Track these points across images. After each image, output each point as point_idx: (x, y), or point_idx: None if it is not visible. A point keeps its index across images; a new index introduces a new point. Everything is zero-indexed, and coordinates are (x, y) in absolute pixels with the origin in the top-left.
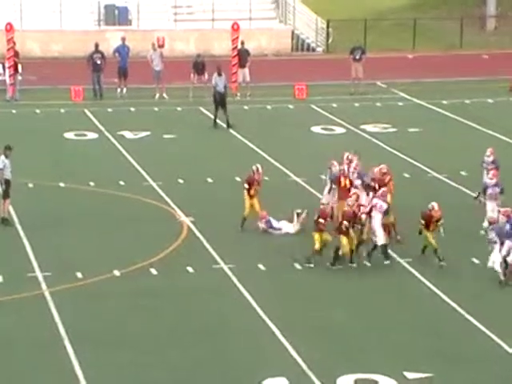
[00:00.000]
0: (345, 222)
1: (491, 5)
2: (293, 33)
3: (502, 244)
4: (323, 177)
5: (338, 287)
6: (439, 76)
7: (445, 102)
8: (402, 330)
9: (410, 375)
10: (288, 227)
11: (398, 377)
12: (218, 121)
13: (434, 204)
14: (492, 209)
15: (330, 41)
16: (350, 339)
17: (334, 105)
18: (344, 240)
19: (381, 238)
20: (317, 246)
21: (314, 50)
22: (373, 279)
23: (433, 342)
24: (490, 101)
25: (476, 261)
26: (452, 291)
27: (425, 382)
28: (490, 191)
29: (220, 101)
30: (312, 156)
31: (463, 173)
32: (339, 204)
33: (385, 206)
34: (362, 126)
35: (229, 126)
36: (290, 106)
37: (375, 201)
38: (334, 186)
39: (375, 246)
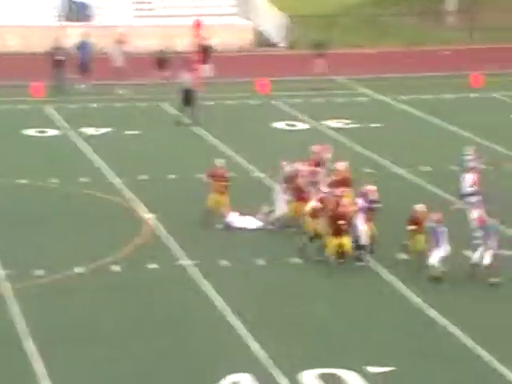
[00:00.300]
0: (341, 222)
1: (451, 0)
2: (255, 28)
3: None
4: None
5: (302, 284)
6: (401, 71)
7: (406, 97)
8: (364, 324)
9: (372, 369)
10: (252, 223)
11: (361, 371)
12: (185, 117)
13: (421, 205)
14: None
15: (292, 36)
16: (313, 334)
17: (297, 100)
18: (345, 240)
19: (363, 238)
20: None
21: (276, 45)
22: (338, 275)
23: (395, 335)
24: (450, 96)
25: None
26: (428, 292)
27: (387, 376)
28: (472, 200)
29: (188, 97)
30: (275, 151)
31: (424, 168)
32: (293, 205)
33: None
34: (325, 122)
35: (196, 123)
36: (253, 102)
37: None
38: (285, 185)
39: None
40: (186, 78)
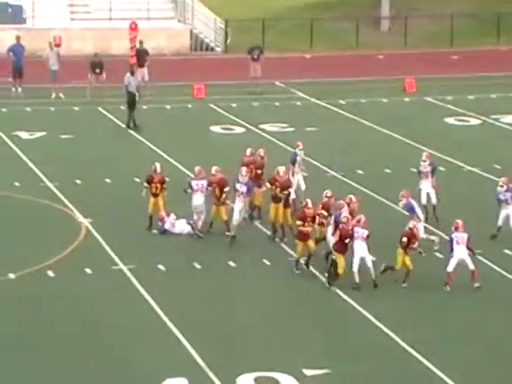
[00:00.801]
0: (346, 240)
1: (385, 6)
2: (191, 32)
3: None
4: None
5: (238, 287)
6: (336, 76)
7: (341, 101)
8: (300, 327)
9: (308, 372)
10: (187, 227)
11: (297, 374)
12: (130, 121)
13: (414, 223)
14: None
15: (228, 40)
16: (249, 338)
17: (233, 104)
18: (341, 259)
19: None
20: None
21: (212, 49)
22: (270, 276)
23: (329, 337)
24: (384, 100)
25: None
26: (347, 285)
27: (323, 379)
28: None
29: (132, 101)
30: (212, 156)
31: (359, 171)
32: (216, 209)
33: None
34: (261, 126)
35: (135, 126)
36: (189, 106)
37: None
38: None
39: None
40: (131, 82)
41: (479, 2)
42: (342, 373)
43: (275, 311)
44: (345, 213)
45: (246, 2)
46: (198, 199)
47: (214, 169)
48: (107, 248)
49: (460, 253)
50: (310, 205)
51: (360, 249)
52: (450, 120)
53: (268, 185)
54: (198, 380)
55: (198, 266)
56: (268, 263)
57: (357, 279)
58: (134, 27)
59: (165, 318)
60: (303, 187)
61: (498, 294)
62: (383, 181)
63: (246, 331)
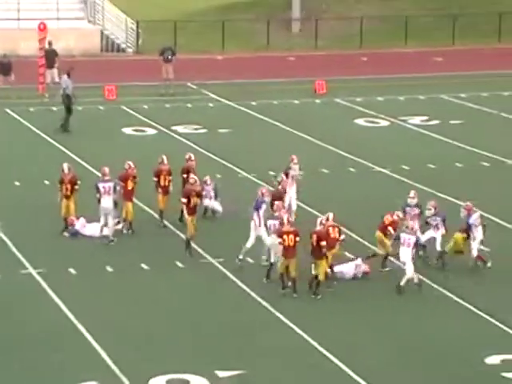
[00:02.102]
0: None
1: (296, 8)
2: (102, 33)
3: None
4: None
5: (149, 289)
6: (248, 77)
7: (253, 102)
8: (212, 329)
9: (221, 373)
10: (99, 230)
11: (210, 376)
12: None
13: (399, 213)
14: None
15: (140, 42)
16: (162, 341)
17: (145, 106)
18: (324, 264)
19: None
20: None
21: (123, 50)
22: (183, 278)
23: (241, 338)
24: (295, 102)
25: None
26: (260, 288)
27: (235, 380)
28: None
29: (70, 104)
30: (124, 157)
31: (271, 172)
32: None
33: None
34: (173, 127)
35: (65, 129)
36: (101, 107)
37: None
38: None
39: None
40: (69, 85)
41: (387, 6)
42: (255, 374)
43: (187, 313)
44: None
45: (158, 3)
46: (106, 202)
47: (127, 164)
48: (16, 252)
49: (403, 255)
50: (285, 221)
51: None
52: (360, 121)
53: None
54: (110, 383)
55: (110, 269)
56: (181, 266)
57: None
58: (42, 28)
59: (76, 322)
60: (294, 206)
61: (410, 297)
62: (297, 181)
63: (159, 334)
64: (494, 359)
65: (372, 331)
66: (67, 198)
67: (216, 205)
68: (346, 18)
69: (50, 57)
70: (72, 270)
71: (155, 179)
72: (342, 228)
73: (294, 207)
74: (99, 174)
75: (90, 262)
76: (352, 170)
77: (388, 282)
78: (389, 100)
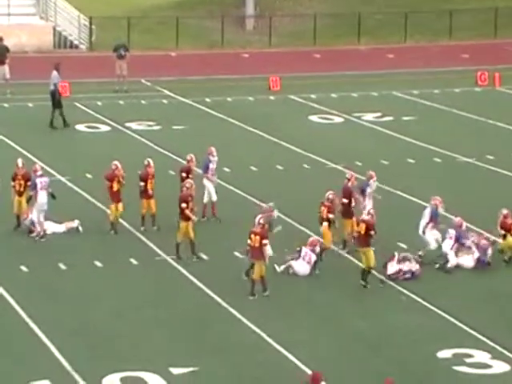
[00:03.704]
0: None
1: (250, 5)
2: (54, 29)
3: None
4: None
5: (104, 287)
6: (202, 74)
7: (207, 99)
8: (166, 326)
9: (175, 370)
10: (54, 227)
11: (164, 373)
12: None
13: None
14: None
15: (93, 38)
16: (115, 339)
17: (99, 103)
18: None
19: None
20: None
21: (76, 47)
22: (137, 276)
23: (195, 334)
24: (250, 98)
25: (238, 255)
26: (214, 284)
27: (190, 377)
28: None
29: (58, 98)
30: (76, 155)
31: (226, 169)
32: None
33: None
34: (127, 124)
35: (51, 126)
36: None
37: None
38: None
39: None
40: (57, 79)
41: (340, 3)
42: (209, 370)
43: (141, 311)
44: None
45: (111, 0)
46: (42, 197)
47: (114, 163)
48: None
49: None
50: (256, 221)
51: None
52: (314, 118)
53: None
54: (63, 382)
55: (63, 267)
56: (135, 263)
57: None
58: None
59: (28, 320)
60: (214, 197)
61: (367, 294)
62: (250, 179)
63: (112, 332)
64: (445, 353)
65: (327, 328)
66: (20, 194)
67: None
68: (299, 15)
69: (1, 53)
70: (23, 268)
71: (142, 183)
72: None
73: (214, 198)
74: (51, 171)
75: (42, 260)
76: (306, 166)
77: (344, 277)
78: (342, 96)
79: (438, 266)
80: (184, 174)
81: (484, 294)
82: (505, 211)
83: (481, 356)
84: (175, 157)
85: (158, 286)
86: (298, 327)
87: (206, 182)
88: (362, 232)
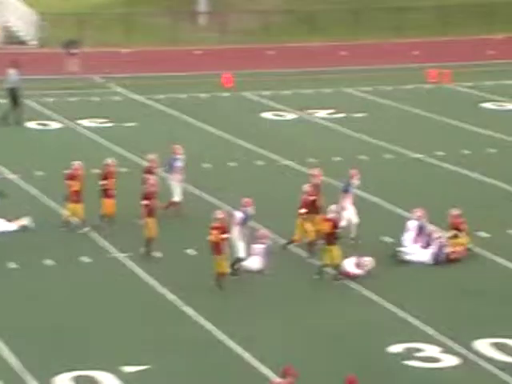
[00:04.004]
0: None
1: (202, 1)
2: (3, 25)
3: None
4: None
5: (55, 286)
6: (155, 71)
7: (161, 96)
8: (118, 324)
9: (127, 369)
10: (5, 226)
11: (116, 371)
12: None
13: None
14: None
15: (43, 34)
16: (67, 337)
17: (50, 99)
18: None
19: (240, 251)
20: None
21: (27, 43)
22: (89, 274)
23: (147, 332)
24: (202, 95)
25: (192, 252)
26: (167, 282)
27: (142, 375)
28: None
29: (15, 96)
30: (27, 152)
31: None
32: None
33: (240, 216)
34: (79, 121)
35: (18, 122)
36: (3, 101)
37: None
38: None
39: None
40: (12, 77)
41: (293, 0)
42: (162, 368)
43: (93, 309)
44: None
45: None
46: None
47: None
48: None
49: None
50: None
51: None
52: (267, 115)
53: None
54: (13, 382)
55: (14, 266)
56: (87, 261)
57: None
58: None
59: None
60: (178, 197)
61: (319, 289)
62: (203, 176)
63: (64, 330)
64: (396, 348)
65: (281, 324)
66: None
67: None
68: (252, 11)
69: None
70: None
71: (104, 182)
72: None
73: (177, 198)
74: (1, 169)
75: None
76: (259, 163)
77: (299, 273)
78: (296, 93)
79: (396, 257)
80: (147, 176)
81: (435, 288)
82: (455, 212)
83: (431, 350)
84: (128, 154)
85: (110, 284)
86: (252, 324)
87: (171, 181)
88: (328, 230)
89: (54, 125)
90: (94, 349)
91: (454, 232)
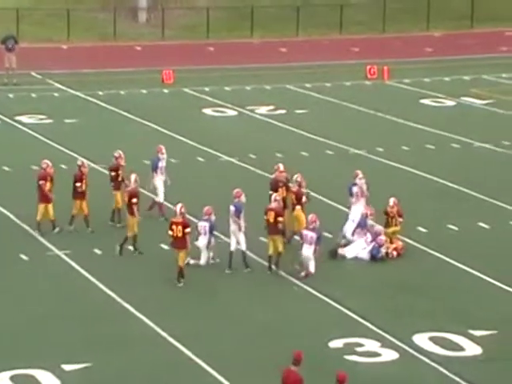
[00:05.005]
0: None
1: None
2: None
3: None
4: None
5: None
6: (95, 67)
7: (101, 92)
8: (58, 321)
9: (67, 367)
10: None
11: (56, 370)
12: None
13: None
14: None
15: None
16: (5, 336)
17: None
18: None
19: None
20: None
21: None
22: (28, 271)
23: (88, 330)
24: (143, 91)
25: (132, 248)
26: (108, 279)
27: (82, 373)
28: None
29: None
30: None
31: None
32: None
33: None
34: (17, 118)
35: None
36: None
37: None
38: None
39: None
40: None
41: None
42: (103, 366)
43: (32, 307)
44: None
45: None
46: None
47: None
48: None
49: (305, 251)
50: (177, 211)
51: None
52: (208, 111)
53: None
54: None
55: None
56: (26, 258)
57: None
58: None
59: None
60: (161, 198)
61: (262, 286)
62: (143, 172)
63: (2, 328)
64: (337, 343)
65: (224, 320)
66: None
67: None
68: (192, 7)
69: None
70: None
71: (78, 184)
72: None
73: (161, 199)
74: None
75: None
76: (200, 159)
77: (243, 268)
78: (236, 90)
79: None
80: (113, 173)
81: (374, 283)
82: (392, 200)
83: (371, 345)
84: (67, 151)
85: (50, 282)
86: (196, 321)
87: (156, 181)
88: (271, 220)
89: None
90: (33, 347)
91: (393, 229)
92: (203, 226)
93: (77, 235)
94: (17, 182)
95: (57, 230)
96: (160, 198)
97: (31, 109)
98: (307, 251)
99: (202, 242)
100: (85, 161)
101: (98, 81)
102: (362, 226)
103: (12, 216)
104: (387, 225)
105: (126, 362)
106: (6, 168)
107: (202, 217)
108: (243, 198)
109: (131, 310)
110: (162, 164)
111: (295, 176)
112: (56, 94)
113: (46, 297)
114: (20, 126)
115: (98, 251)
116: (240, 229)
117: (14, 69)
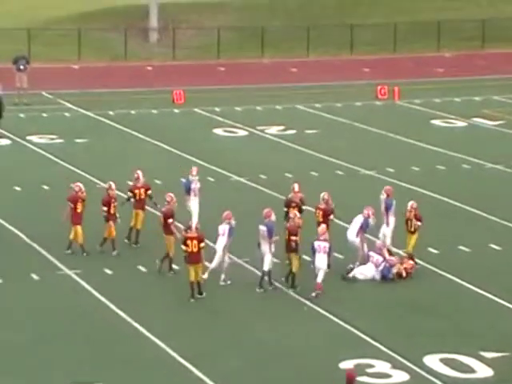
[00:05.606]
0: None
1: (153, 18)
2: None
3: None
4: None
5: (4, 303)
6: (106, 87)
7: (111, 112)
8: (68, 341)
9: None
10: None
11: None
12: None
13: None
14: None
15: None
16: (14, 355)
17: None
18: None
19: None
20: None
21: None
22: (38, 291)
23: (97, 350)
24: (154, 111)
25: (143, 269)
26: (118, 299)
27: None
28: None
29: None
30: None
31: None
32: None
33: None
34: (29, 137)
35: None
36: None
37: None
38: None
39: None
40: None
41: (244, 16)
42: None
43: (42, 326)
44: None
45: (11, 11)
46: None
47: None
48: None
49: (319, 261)
50: (193, 227)
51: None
52: (219, 131)
53: None
54: None
55: None
56: (36, 278)
57: None
58: None
59: None
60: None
61: (271, 305)
62: (154, 192)
63: (13, 346)
64: (347, 363)
65: (231, 339)
66: None
67: None
68: (203, 28)
69: None
70: None
71: (105, 208)
72: None
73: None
74: None
75: None
76: (211, 179)
77: (248, 287)
78: (247, 110)
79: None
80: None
81: (385, 303)
82: (410, 204)
83: (381, 366)
84: (78, 171)
85: (60, 301)
86: (202, 340)
87: (190, 203)
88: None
89: (3, 141)
90: (44, 365)
91: (407, 253)
92: (223, 228)
93: (91, 256)
94: (28, 201)
95: (115, 252)
96: (194, 220)
97: (42, 129)
98: (320, 262)
99: (220, 243)
100: (113, 184)
101: (108, 101)
102: (364, 227)
103: (22, 235)
104: (407, 228)
105: (135, 381)
106: (17, 188)
107: (221, 222)
108: (273, 217)
109: (141, 329)
110: (194, 185)
111: (322, 194)
112: (67, 114)
113: (56, 316)
114: (31, 146)
115: (108, 271)
116: (270, 249)
117: (25, 89)
